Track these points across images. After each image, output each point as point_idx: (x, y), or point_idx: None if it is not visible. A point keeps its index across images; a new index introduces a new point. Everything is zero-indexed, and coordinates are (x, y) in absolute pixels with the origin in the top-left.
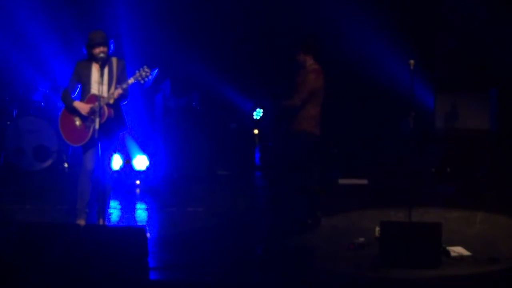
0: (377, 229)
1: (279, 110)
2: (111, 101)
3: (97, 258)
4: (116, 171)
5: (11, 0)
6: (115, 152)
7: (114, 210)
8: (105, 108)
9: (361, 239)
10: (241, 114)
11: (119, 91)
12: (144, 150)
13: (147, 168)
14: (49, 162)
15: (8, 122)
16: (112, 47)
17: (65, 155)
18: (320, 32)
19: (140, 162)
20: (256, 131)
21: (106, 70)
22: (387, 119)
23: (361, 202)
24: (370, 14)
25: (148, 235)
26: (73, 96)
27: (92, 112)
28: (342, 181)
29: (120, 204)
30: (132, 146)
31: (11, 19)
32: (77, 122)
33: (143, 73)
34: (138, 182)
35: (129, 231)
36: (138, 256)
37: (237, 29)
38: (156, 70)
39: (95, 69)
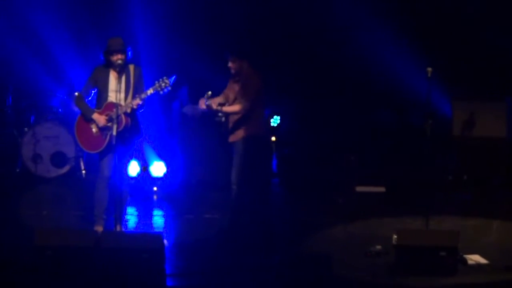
0: (394, 236)
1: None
2: (129, 110)
3: (114, 264)
4: (133, 178)
5: (27, 6)
6: (132, 159)
7: (131, 216)
8: (123, 116)
9: (378, 247)
10: None
11: (137, 101)
12: (161, 156)
13: (165, 174)
14: (66, 169)
15: (26, 129)
16: (129, 54)
17: (82, 161)
18: (337, 40)
19: (158, 168)
20: (273, 138)
21: (123, 78)
22: (404, 126)
23: (378, 210)
24: (387, 21)
25: (165, 241)
26: (87, 100)
27: (109, 119)
28: (359, 188)
29: (137, 210)
30: (149, 152)
31: (28, 25)
32: (94, 129)
33: (162, 84)
34: (155, 188)
35: (146, 238)
36: (155, 263)
37: (254, 35)
38: (174, 76)
39: (112, 77)
